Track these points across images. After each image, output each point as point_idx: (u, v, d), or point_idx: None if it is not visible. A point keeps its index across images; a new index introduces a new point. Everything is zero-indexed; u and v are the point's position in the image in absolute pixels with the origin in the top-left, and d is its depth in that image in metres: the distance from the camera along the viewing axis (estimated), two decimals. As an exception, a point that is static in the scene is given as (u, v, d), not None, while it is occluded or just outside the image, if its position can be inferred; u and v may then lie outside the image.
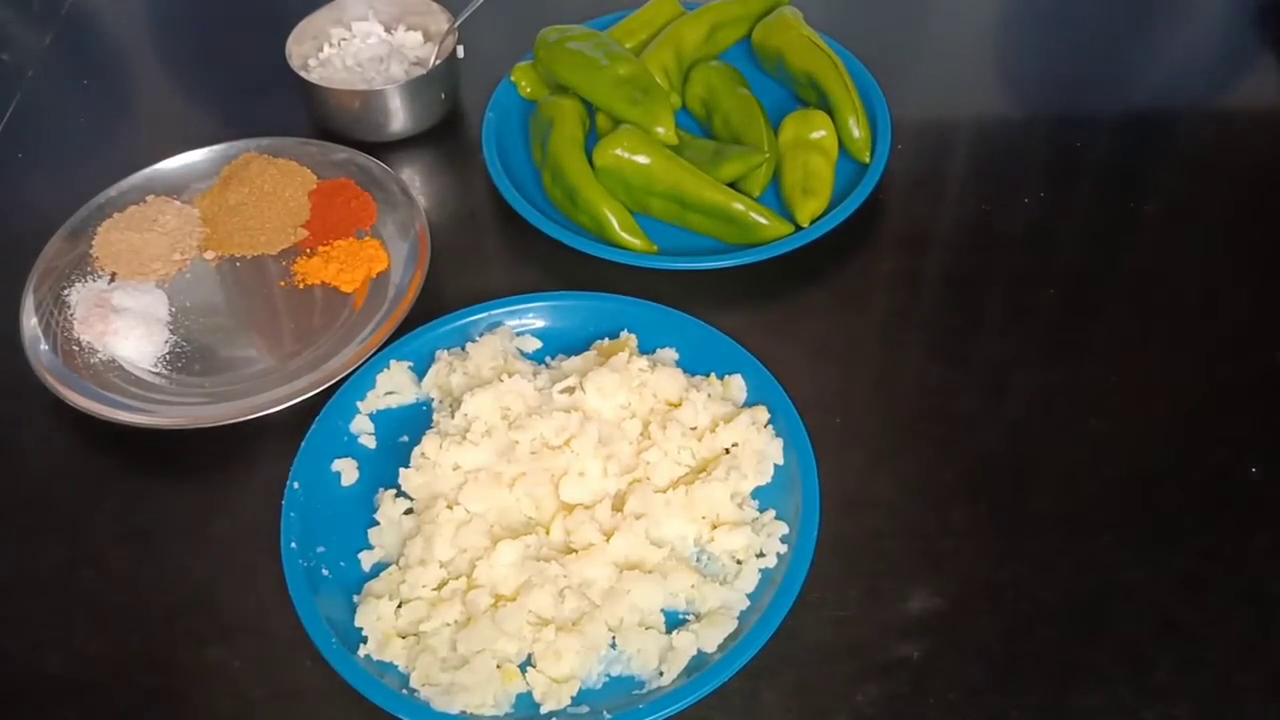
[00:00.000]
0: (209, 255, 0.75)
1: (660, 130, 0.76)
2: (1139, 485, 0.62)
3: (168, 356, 0.69)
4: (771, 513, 0.58)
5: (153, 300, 0.71)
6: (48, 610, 0.59)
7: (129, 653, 0.57)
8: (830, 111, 0.78)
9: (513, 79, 0.84)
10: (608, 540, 0.57)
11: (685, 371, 0.64)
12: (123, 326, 0.69)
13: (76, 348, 0.68)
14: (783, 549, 0.57)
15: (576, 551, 0.57)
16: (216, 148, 0.80)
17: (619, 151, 0.73)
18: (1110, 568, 0.58)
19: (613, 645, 0.55)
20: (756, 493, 0.60)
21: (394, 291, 0.71)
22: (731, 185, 0.74)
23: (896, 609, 0.57)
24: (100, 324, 0.69)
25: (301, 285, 0.73)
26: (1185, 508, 0.61)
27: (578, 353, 0.66)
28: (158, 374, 0.68)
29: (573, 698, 0.53)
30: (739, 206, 0.72)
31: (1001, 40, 0.95)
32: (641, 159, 0.73)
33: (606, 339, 0.67)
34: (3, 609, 0.59)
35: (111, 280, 0.72)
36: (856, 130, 0.77)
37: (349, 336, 0.69)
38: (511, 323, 0.68)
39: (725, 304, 0.66)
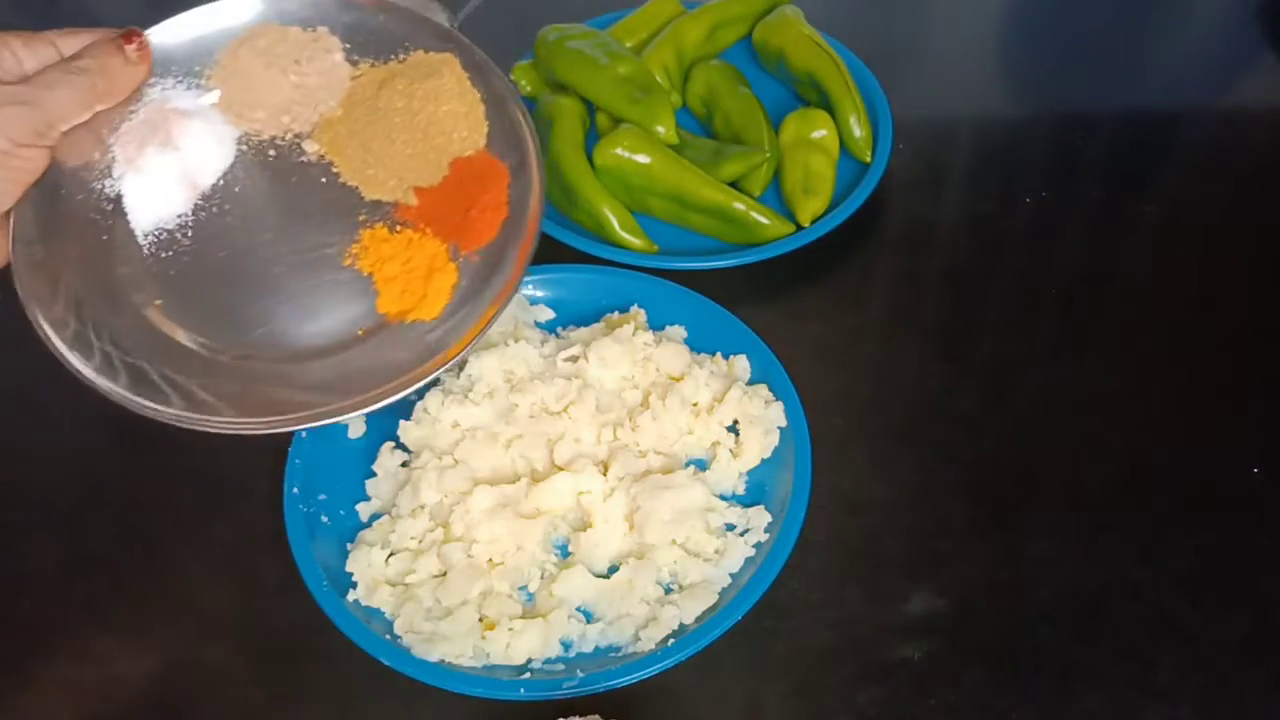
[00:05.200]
0: (311, 148, 0.56)
1: (660, 129, 0.76)
2: (1139, 485, 0.62)
3: (164, 236, 0.53)
4: (760, 508, 0.59)
5: (211, 155, 0.55)
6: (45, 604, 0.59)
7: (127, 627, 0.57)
8: (831, 111, 0.78)
9: (512, 78, 0.84)
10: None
11: (691, 350, 0.65)
12: (160, 163, 0.53)
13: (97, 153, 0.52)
14: (765, 538, 0.57)
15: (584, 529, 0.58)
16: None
17: (619, 151, 0.73)
18: (1110, 568, 0.58)
19: (591, 619, 0.56)
20: (751, 475, 0.61)
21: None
22: (732, 185, 0.74)
23: (897, 610, 0.57)
24: (152, 136, 0.53)
25: (353, 266, 0.54)
26: (1185, 508, 0.61)
27: (588, 324, 0.67)
28: (150, 252, 0.53)
29: (546, 660, 0.54)
30: (740, 206, 0.72)
31: (1002, 40, 0.95)
32: (642, 158, 0.73)
33: (617, 313, 0.67)
34: (2, 608, 0.59)
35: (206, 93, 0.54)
36: (858, 129, 0.77)
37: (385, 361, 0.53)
38: (526, 291, 0.69)
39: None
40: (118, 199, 0.52)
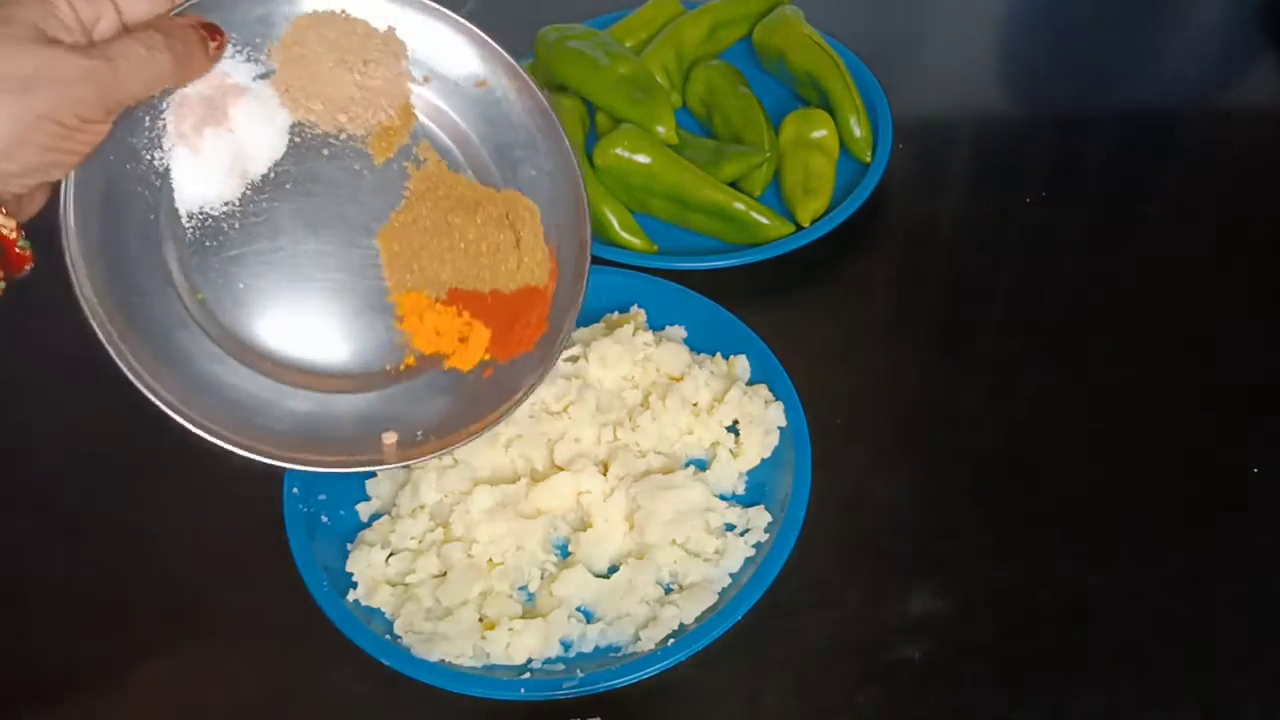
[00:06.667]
0: (377, 150, 0.53)
1: (661, 129, 0.76)
2: (1139, 485, 0.62)
3: (210, 224, 0.51)
4: (760, 508, 0.59)
5: (265, 143, 0.52)
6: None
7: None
8: (831, 111, 0.78)
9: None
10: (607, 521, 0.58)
11: (691, 350, 0.65)
12: (215, 145, 0.50)
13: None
14: (765, 538, 0.57)
15: (584, 529, 0.58)
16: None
17: (619, 151, 0.73)
18: (1110, 568, 0.58)
19: (591, 619, 0.56)
20: (751, 475, 0.61)
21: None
22: (732, 185, 0.74)
23: (897, 610, 0.57)
24: (210, 115, 0.50)
25: (401, 326, 0.54)
26: (1185, 508, 0.61)
27: (589, 325, 0.67)
28: (194, 238, 0.51)
29: (546, 660, 0.54)
30: (740, 206, 0.72)
31: (1002, 39, 0.95)
32: (642, 158, 0.73)
33: (617, 313, 0.67)
34: (3, 607, 0.59)
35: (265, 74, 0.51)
36: (858, 129, 0.77)
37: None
38: None
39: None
40: (165, 174, 0.50)
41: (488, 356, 0.55)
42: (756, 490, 0.61)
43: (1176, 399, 0.66)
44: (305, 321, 0.53)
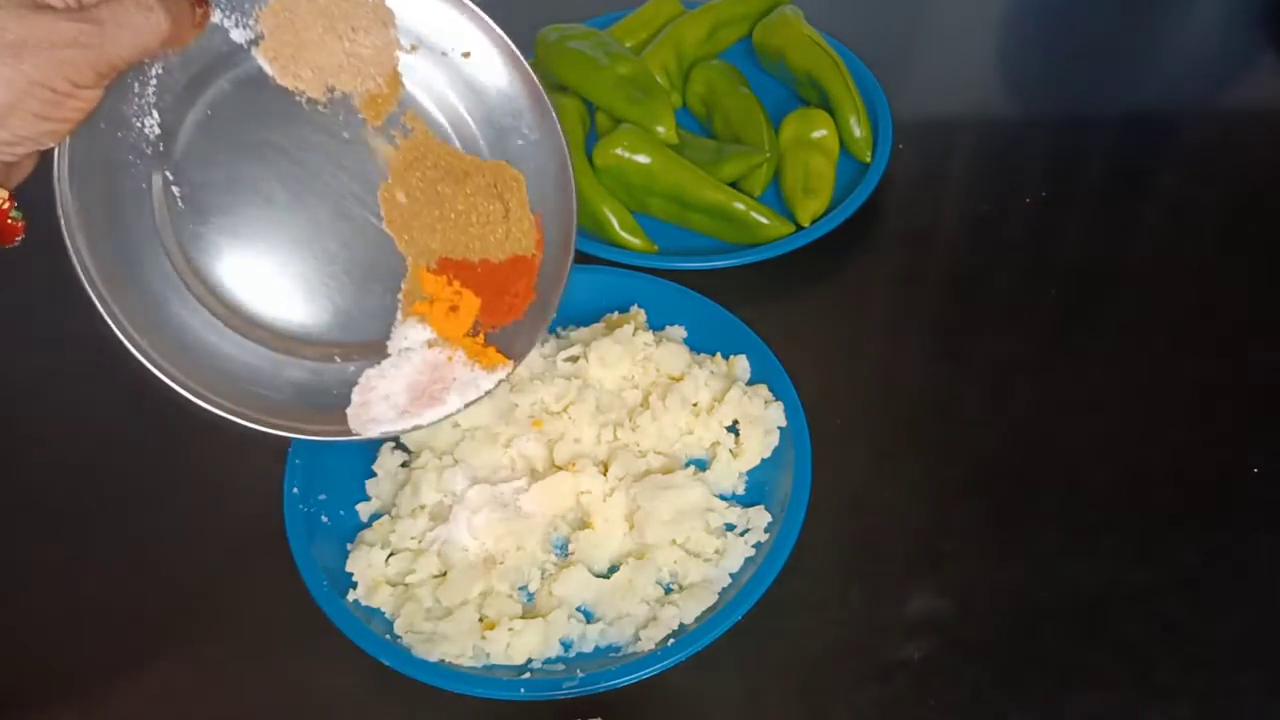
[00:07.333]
0: (367, 118, 0.52)
1: (661, 129, 0.76)
2: (1139, 485, 0.62)
3: (206, 192, 0.51)
4: (760, 508, 0.59)
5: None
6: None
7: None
8: (831, 111, 0.78)
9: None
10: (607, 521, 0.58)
11: (691, 350, 0.65)
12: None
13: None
14: (765, 538, 0.57)
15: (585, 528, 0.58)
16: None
17: (619, 151, 0.73)
18: (1110, 568, 0.58)
19: (591, 619, 0.56)
20: (751, 475, 0.61)
21: None
22: (732, 185, 0.74)
23: (897, 610, 0.57)
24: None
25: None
26: (1185, 508, 0.61)
27: (589, 324, 0.67)
28: (185, 206, 0.51)
29: (546, 660, 0.54)
30: (740, 206, 0.72)
31: (1003, 40, 0.95)
32: (642, 158, 0.73)
33: (617, 313, 0.67)
34: (3, 609, 0.59)
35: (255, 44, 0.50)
36: (858, 129, 0.77)
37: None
38: None
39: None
40: (156, 142, 0.49)
41: (478, 325, 0.55)
42: (756, 490, 0.61)
43: (1176, 399, 0.66)
44: (296, 289, 0.53)
